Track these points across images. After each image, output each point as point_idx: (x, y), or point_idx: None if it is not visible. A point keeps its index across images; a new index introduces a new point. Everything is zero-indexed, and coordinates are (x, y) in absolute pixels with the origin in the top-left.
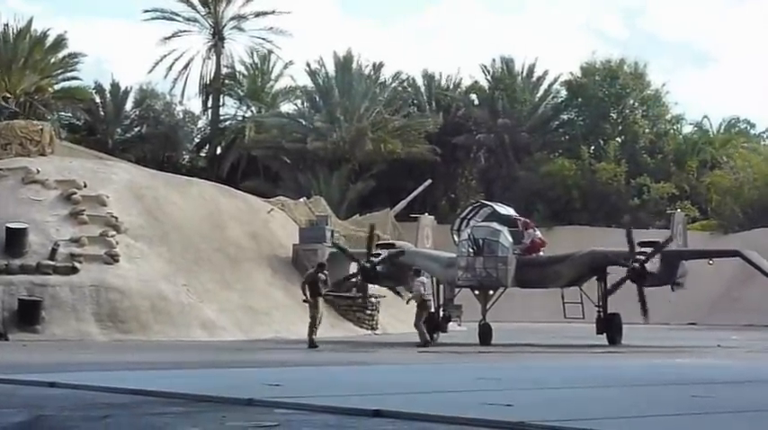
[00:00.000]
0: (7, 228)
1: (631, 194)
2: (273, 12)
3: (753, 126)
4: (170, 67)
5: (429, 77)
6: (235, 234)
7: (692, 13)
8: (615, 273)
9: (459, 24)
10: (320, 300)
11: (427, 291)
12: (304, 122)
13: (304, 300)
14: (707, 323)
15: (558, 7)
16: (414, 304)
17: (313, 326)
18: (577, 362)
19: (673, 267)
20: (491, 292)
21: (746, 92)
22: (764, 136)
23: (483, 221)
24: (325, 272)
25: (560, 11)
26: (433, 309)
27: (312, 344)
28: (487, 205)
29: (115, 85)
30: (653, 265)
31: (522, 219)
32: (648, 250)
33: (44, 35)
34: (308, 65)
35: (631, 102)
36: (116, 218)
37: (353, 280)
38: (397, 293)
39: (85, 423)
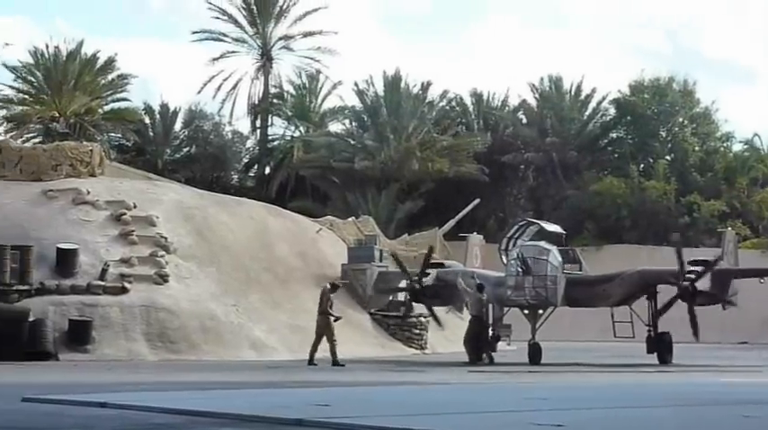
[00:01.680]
0: (58, 249)
1: (681, 213)
2: (321, 32)
3: None
4: (218, 88)
5: (477, 96)
6: (283, 254)
7: (735, 29)
8: (665, 292)
9: (504, 43)
10: (324, 318)
11: (484, 308)
12: (352, 142)
13: (335, 319)
14: (759, 342)
15: (602, 25)
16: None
17: (333, 345)
18: (627, 382)
19: (724, 286)
20: (540, 311)
21: None
22: None
23: (530, 240)
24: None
25: (604, 28)
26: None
27: (336, 363)
28: (534, 223)
29: (164, 106)
30: (704, 284)
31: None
32: (699, 269)
33: (94, 57)
34: (356, 84)
35: (680, 119)
36: (165, 238)
37: (403, 300)
38: (435, 319)
39: None
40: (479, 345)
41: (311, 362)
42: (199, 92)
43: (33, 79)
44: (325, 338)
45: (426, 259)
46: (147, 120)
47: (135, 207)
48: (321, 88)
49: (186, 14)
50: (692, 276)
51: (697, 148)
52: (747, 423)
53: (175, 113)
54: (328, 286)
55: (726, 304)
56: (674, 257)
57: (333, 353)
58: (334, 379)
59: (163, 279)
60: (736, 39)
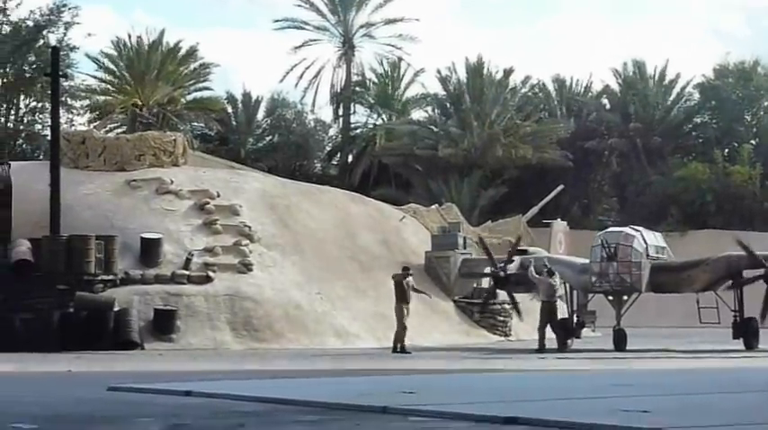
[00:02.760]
0: (142, 239)
1: (767, 197)
2: (403, 19)
3: None
4: (300, 76)
5: (560, 82)
6: (367, 241)
7: None
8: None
9: (585, 29)
10: (406, 306)
11: (557, 293)
12: (435, 129)
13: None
14: None
15: (681, 9)
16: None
17: (402, 333)
18: (714, 367)
19: None
20: (625, 298)
21: None
22: None
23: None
24: (411, 274)
25: (683, 12)
26: (561, 314)
27: (403, 350)
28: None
29: (246, 95)
30: None
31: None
32: None
33: (176, 47)
34: (439, 71)
35: (766, 103)
36: (249, 227)
37: (487, 287)
38: (516, 309)
39: None
40: (563, 332)
41: (404, 350)
42: (281, 80)
43: (116, 69)
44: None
45: (514, 247)
46: (230, 110)
47: (218, 196)
48: (403, 76)
49: (265, 4)
50: None
51: None
52: None
53: (258, 102)
54: (401, 274)
55: None
56: (760, 242)
57: (397, 339)
58: (419, 367)
59: (247, 268)
60: None
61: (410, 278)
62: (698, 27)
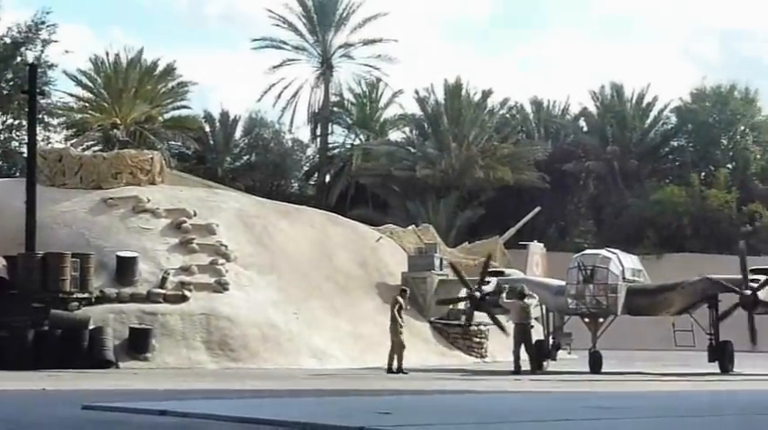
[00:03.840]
0: (118, 257)
1: (743, 221)
2: (381, 40)
3: None
4: (279, 96)
5: (537, 104)
6: (343, 262)
7: None
8: (726, 300)
9: (563, 51)
10: (392, 325)
11: (530, 316)
12: (413, 150)
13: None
14: None
15: (657, 33)
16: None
17: (400, 352)
18: (688, 390)
19: None
20: (601, 320)
21: None
22: None
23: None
24: (405, 294)
25: (659, 37)
26: (535, 337)
27: (400, 370)
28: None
29: (224, 114)
30: (766, 293)
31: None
32: (761, 277)
33: (154, 65)
34: (417, 92)
35: (742, 128)
36: (226, 246)
37: (463, 308)
38: (498, 325)
39: None
40: (538, 354)
41: (400, 370)
42: (259, 100)
43: (93, 87)
44: (394, 345)
45: (485, 267)
46: (208, 129)
47: (195, 215)
48: (381, 96)
49: (243, 23)
50: (755, 285)
51: (759, 157)
52: None
53: (235, 121)
54: (399, 293)
55: None
56: (735, 266)
57: (390, 359)
58: (394, 387)
59: (223, 287)
60: None
61: (401, 299)
62: (673, 51)
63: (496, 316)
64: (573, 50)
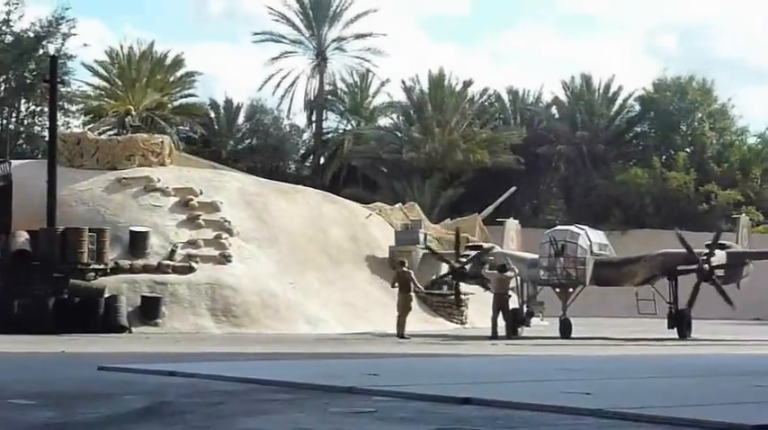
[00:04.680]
0: (131, 232)
1: (700, 200)
2: (371, 34)
3: None
4: (277, 85)
5: (513, 93)
6: (336, 236)
7: (744, 31)
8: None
9: (535, 46)
10: (403, 295)
11: (509, 287)
12: (399, 135)
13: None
14: None
15: (621, 28)
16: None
17: (403, 319)
18: (650, 354)
19: (738, 266)
20: (571, 290)
21: None
22: None
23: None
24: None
25: (623, 31)
26: (512, 305)
27: (402, 336)
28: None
29: (228, 102)
30: (719, 264)
31: None
32: (715, 251)
33: (164, 57)
34: (404, 82)
35: (699, 115)
36: (229, 222)
37: (444, 279)
38: (458, 298)
39: (202, 408)
40: (514, 321)
41: (401, 335)
42: (259, 89)
43: (109, 77)
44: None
45: (456, 240)
46: (213, 115)
47: (201, 194)
48: (371, 86)
49: (242, 19)
50: (708, 258)
51: (714, 141)
52: (758, 391)
53: (238, 108)
54: (401, 265)
55: (729, 297)
56: (692, 241)
57: (401, 326)
58: (382, 351)
59: (226, 259)
60: (746, 41)
61: (404, 272)
62: (636, 45)
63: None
64: (544, 44)
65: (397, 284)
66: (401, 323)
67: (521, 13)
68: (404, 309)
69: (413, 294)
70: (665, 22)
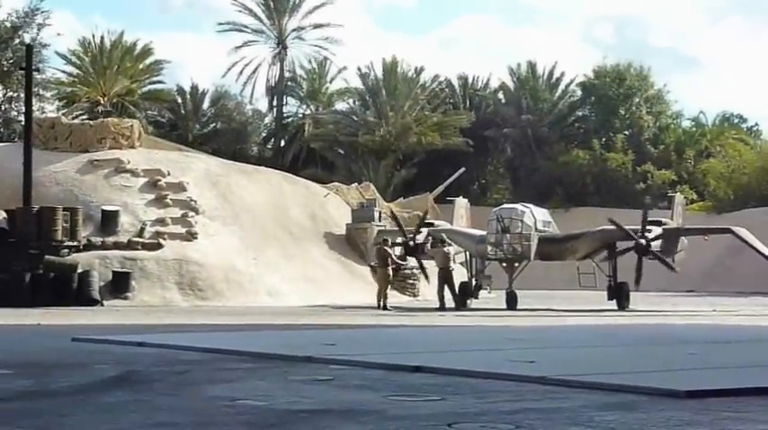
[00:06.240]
0: (102, 211)
1: (637, 180)
2: (329, 24)
3: (745, 120)
4: (240, 72)
5: (463, 79)
6: (296, 215)
7: (676, 22)
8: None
9: (484, 35)
10: (383, 270)
11: (451, 261)
12: (356, 119)
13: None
14: (704, 290)
15: (561, 18)
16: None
17: (384, 292)
18: (590, 324)
19: (673, 242)
20: (516, 265)
21: (737, 91)
22: (754, 129)
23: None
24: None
25: (563, 21)
26: (459, 279)
27: (385, 307)
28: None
29: (194, 88)
30: (656, 241)
31: None
32: (651, 228)
33: (133, 46)
34: (359, 69)
35: (637, 100)
36: (195, 201)
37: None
38: (424, 273)
39: (170, 376)
40: (462, 294)
41: (384, 307)
42: (223, 76)
43: (81, 64)
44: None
45: (421, 221)
46: (179, 100)
47: (168, 174)
48: (328, 72)
49: (203, 10)
50: (648, 234)
51: (651, 125)
52: (692, 358)
53: (203, 94)
54: (384, 242)
55: (670, 263)
56: (630, 218)
57: (383, 298)
58: (338, 322)
59: (192, 236)
60: (677, 31)
61: (385, 246)
62: (575, 34)
63: (422, 262)
64: (488, 33)
65: (376, 261)
66: (384, 295)
67: (464, 3)
68: (385, 282)
69: (390, 269)
70: (601, 13)
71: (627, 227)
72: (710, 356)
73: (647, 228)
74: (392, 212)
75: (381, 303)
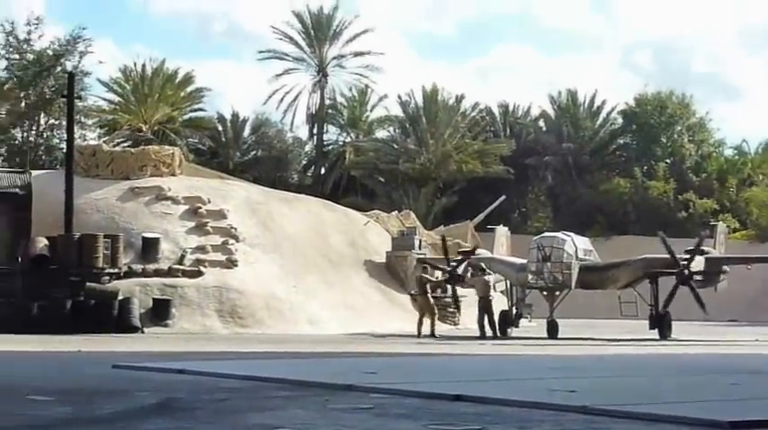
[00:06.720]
0: (143, 238)
1: (679, 208)
2: (369, 52)
3: None
4: (281, 100)
5: (503, 107)
6: (336, 242)
7: (717, 48)
8: (668, 279)
9: (523, 63)
10: (424, 298)
11: (491, 290)
12: (396, 146)
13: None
14: (746, 320)
15: (600, 45)
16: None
17: (429, 320)
18: (632, 354)
19: (716, 271)
20: (557, 293)
21: None
22: None
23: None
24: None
25: (602, 49)
26: (500, 307)
27: (433, 335)
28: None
29: (235, 115)
30: (698, 269)
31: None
32: (694, 256)
33: (174, 73)
34: (399, 97)
35: (679, 128)
36: (235, 229)
37: (440, 283)
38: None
39: (210, 404)
40: (503, 323)
41: (432, 334)
42: (264, 103)
43: (123, 92)
44: (427, 314)
45: (444, 246)
46: (220, 128)
47: (209, 202)
48: (369, 100)
49: (243, 38)
50: (688, 263)
51: (693, 153)
52: (734, 389)
53: (244, 121)
54: (423, 270)
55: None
56: (671, 245)
57: (431, 325)
58: (378, 350)
59: (233, 263)
60: (718, 58)
61: (423, 274)
62: (613, 61)
63: (459, 291)
64: (527, 60)
65: (416, 289)
66: (432, 322)
67: (503, 31)
68: (426, 310)
69: (431, 296)
70: (640, 39)
71: (666, 256)
72: (752, 387)
73: (692, 257)
74: (443, 238)
75: (430, 330)
